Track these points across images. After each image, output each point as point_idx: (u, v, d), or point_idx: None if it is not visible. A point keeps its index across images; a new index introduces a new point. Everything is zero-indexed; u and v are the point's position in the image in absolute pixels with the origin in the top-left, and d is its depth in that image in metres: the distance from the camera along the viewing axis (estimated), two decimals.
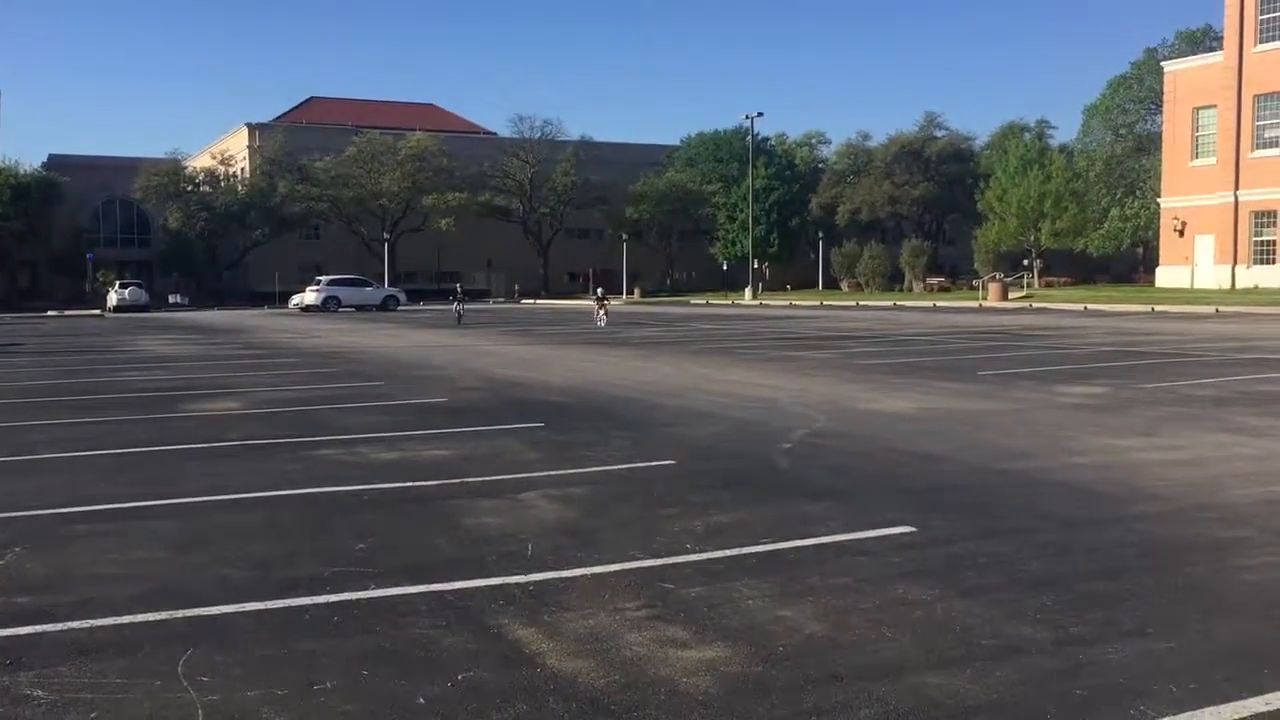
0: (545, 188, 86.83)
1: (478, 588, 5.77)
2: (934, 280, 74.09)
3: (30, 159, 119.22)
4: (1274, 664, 4.54)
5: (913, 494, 8.00)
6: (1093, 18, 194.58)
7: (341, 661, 4.71)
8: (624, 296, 76.28)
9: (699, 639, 4.95)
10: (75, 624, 5.22)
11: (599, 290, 41.93)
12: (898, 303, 59.08)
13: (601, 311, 37.88)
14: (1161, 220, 62.39)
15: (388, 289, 65.30)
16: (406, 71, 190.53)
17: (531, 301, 77.84)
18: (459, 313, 41.48)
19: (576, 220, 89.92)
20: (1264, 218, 55.51)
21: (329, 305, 59.40)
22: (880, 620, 5.17)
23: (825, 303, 62.38)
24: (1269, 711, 4.06)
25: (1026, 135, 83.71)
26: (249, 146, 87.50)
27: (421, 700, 4.28)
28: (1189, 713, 4.05)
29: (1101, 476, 8.60)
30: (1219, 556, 6.25)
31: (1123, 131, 78.38)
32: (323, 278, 63.06)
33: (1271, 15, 54.75)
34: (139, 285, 70.69)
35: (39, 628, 5.17)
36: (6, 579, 6.03)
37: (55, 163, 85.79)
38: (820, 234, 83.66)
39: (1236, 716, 4.03)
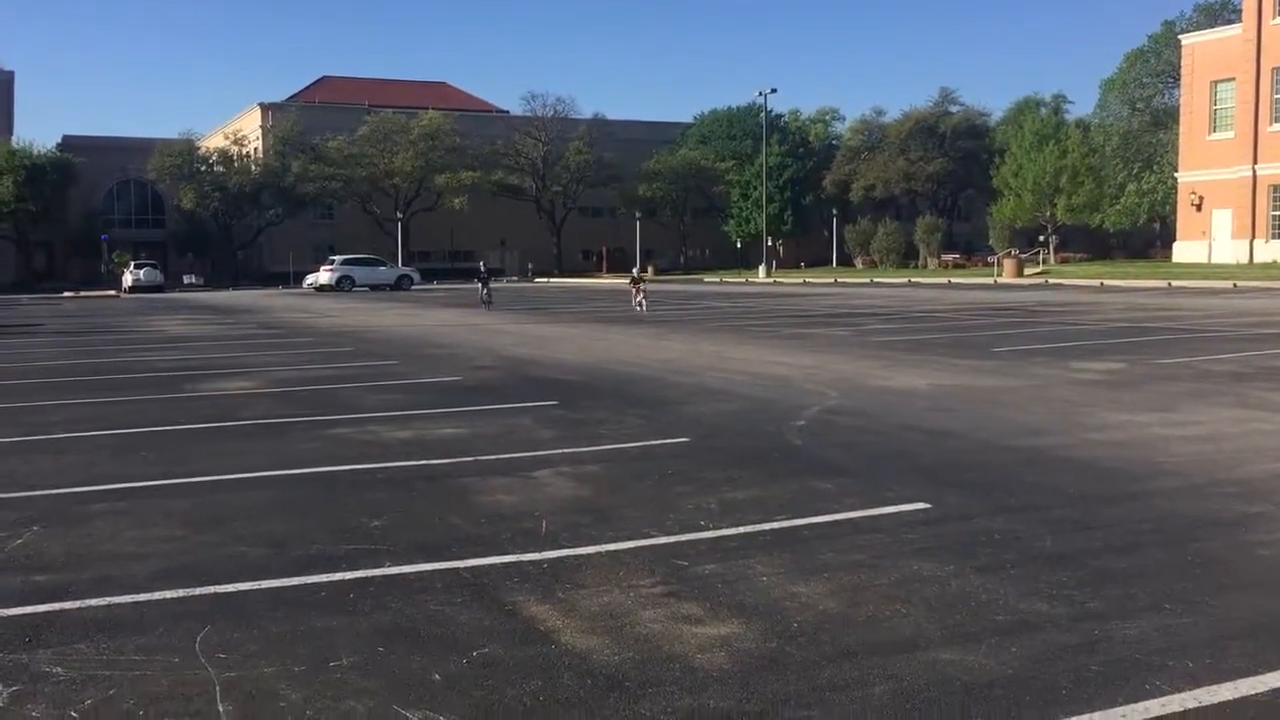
0: (558, 166, 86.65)
1: (493, 565, 5.79)
2: (949, 257, 73.82)
3: (44, 140, 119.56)
4: None
5: (927, 470, 7.98)
6: None
7: (357, 638, 4.73)
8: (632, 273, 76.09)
9: (714, 616, 4.95)
10: (93, 601, 5.25)
11: (634, 270, 36.84)
12: (912, 280, 58.88)
13: (640, 295, 31.98)
14: (1179, 195, 62.00)
15: (401, 268, 65.42)
16: (418, 50, 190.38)
17: (545, 280, 77.85)
18: (486, 297, 35.52)
19: (590, 198, 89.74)
20: None
21: (343, 285, 59.56)
22: (895, 596, 5.17)
23: (839, 280, 62.22)
24: None
25: (1042, 110, 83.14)
26: (262, 126, 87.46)
27: (437, 677, 4.30)
28: (1205, 688, 4.04)
29: (1118, 453, 8.56)
30: (1236, 532, 6.22)
31: (1140, 106, 77.73)
32: (336, 257, 63.19)
33: None
34: (154, 266, 70.85)
35: (57, 605, 5.20)
36: (25, 557, 6.07)
37: (69, 144, 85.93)
38: (834, 211, 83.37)
39: (1253, 691, 4.01)
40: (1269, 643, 4.48)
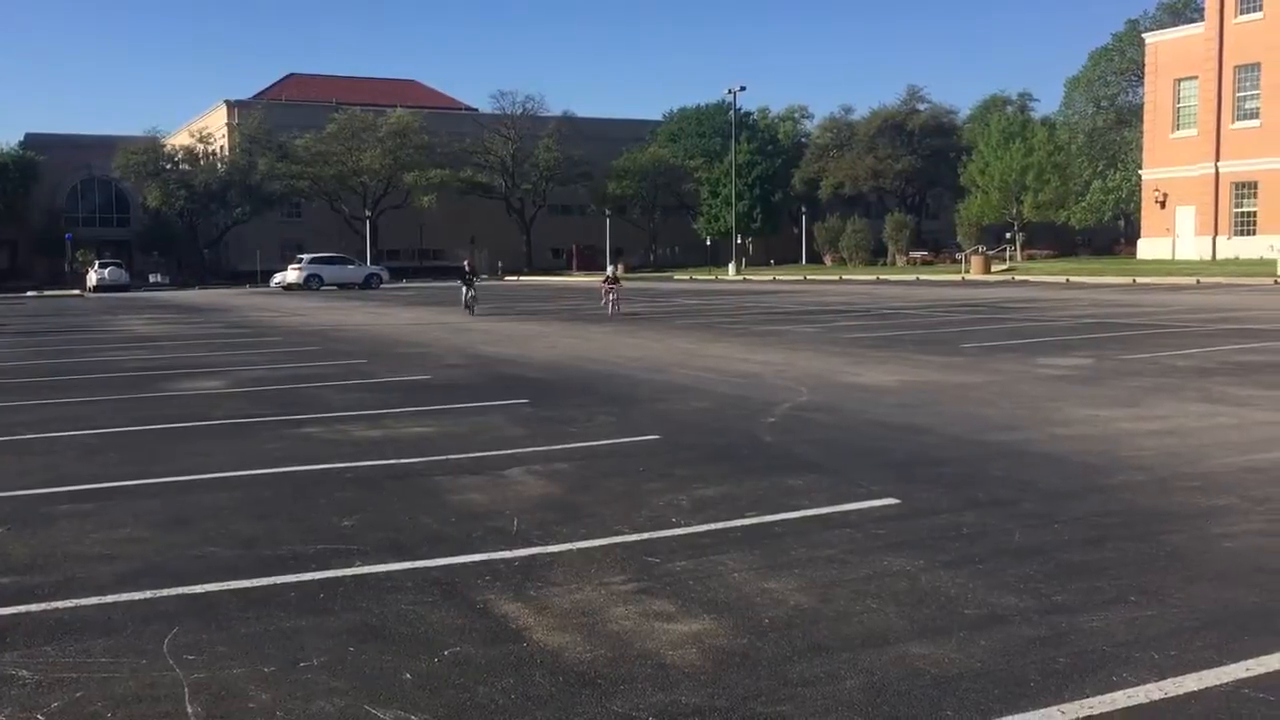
0: (527, 164, 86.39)
1: (464, 563, 5.77)
2: (917, 254, 74.20)
3: (7, 138, 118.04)
4: (1254, 630, 4.58)
5: (897, 466, 8.03)
6: None
7: (328, 638, 4.70)
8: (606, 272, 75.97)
9: (685, 612, 4.96)
10: (59, 603, 5.19)
11: (609, 269, 33.02)
12: (881, 277, 59.18)
13: (611, 295, 29.33)
14: (1143, 192, 62.58)
15: (370, 267, 65.09)
16: (386, 47, 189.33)
17: (515, 278, 77.62)
18: (469, 301, 31.48)
19: (559, 197, 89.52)
20: (1244, 189, 55.74)
21: (311, 283, 59.20)
22: (865, 591, 5.19)
23: (808, 277, 62.43)
24: (1250, 677, 4.10)
25: (1008, 108, 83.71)
26: (228, 124, 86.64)
27: (408, 676, 4.28)
28: (1171, 679, 4.08)
29: (1084, 447, 8.64)
30: (1200, 525, 6.30)
31: (1104, 103, 78.40)
32: (304, 256, 62.77)
33: None
34: (119, 265, 70.05)
35: (22, 608, 5.14)
36: None
37: (32, 141, 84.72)
38: (803, 209, 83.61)
39: (1218, 682, 4.06)
40: (1233, 634, 4.54)
